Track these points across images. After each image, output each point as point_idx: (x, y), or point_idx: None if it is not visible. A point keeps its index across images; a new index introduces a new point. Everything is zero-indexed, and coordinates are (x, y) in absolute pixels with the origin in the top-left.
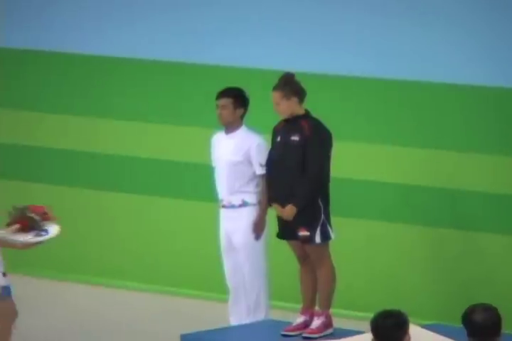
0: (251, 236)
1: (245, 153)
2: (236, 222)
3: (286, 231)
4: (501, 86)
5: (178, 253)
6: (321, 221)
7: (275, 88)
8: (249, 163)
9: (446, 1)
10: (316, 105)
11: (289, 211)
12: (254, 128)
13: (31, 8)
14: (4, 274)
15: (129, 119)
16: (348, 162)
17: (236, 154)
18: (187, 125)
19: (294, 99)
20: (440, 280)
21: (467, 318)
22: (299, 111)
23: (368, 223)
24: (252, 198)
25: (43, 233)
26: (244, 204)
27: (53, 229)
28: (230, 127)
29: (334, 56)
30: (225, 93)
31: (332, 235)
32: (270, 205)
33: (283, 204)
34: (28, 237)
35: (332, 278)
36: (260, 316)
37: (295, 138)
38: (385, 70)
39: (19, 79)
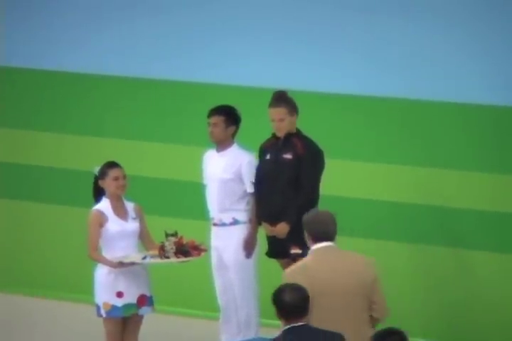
0: (242, 254)
1: (236, 170)
2: (227, 240)
3: (276, 249)
4: (491, 104)
5: (168, 272)
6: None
7: (277, 104)
8: (240, 180)
9: (436, 11)
10: (307, 123)
11: (282, 229)
12: (245, 146)
13: (26, 27)
14: None
15: (120, 138)
16: (338, 180)
17: (227, 172)
18: (178, 143)
19: (295, 116)
20: (429, 297)
21: (276, 298)
22: (293, 128)
23: (358, 241)
24: (242, 216)
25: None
26: (235, 222)
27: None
28: (221, 145)
29: (325, 74)
30: (217, 111)
31: None
32: (260, 224)
33: (274, 222)
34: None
35: None
36: (251, 334)
37: (287, 156)
38: (374, 88)
39: (12, 98)
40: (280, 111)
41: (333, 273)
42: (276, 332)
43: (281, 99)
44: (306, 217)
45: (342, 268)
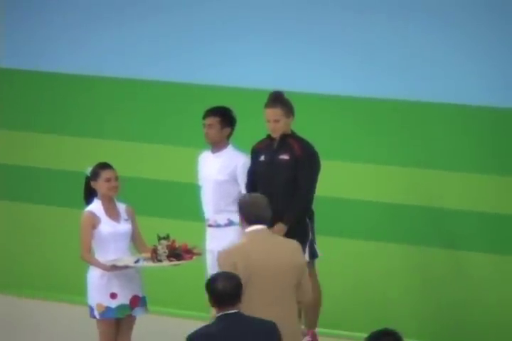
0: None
1: (231, 172)
2: (222, 241)
3: None
4: (490, 105)
5: (161, 272)
6: (310, 239)
7: (273, 105)
8: (235, 182)
9: (435, 13)
10: (306, 124)
11: (279, 229)
12: (240, 147)
13: (24, 28)
14: None
15: (119, 139)
16: (337, 181)
17: (222, 173)
18: (176, 144)
19: (291, 118)
20: (427, 299)
21: (209, 286)
22: (288, 130)
23: (354, 242)
24: (237, 217)
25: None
26: (229, 223)
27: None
28: (216, 146)
29: (323, 75)
30: (212, 112)
31: (319, 253)
32: None
33: (271, 223)
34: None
35: (318, 297)
36: None
37: (284, 157)
38: (374, 89)
39: (11, 100)
40: (276, 112)
41: (265, 255)
42: None
43: (278, 100)
44: (240, 200)
45: (274, 251)
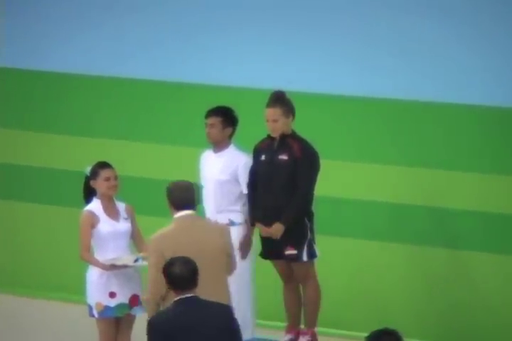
0: (237, 255)
1: (233, 172)
2: None
3: (271, 250)
4: (490, 105)
5: None
6: (308, 239)
7: (273, 105)
8: (237, 181)
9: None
10: (305, 124)
11: (277, 229)
12: (242, 147)
13: (15, 27)
14: None
15: (113, 138)
16: (337, 181)
17: (223, 173)
18: (174, 144)
19: (291, 118)
20: (429, 299)
21: (167, 271)
22: (289, 130)
23: (356, 242)
24: (238, 217)
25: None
26: (230, 223)
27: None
28: (218, 146)
29: (322, 75)
30: (214, 112)
31: (317, 253)
32: (253, 225)
33: (269, 223)
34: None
35: (318, 296)
36: (247, 335)
37: (283, 157)
38: (373, 89)
39: (2, 98)
40: (274, 112)
41: (194, 239)
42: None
43: (278, 100)
44: (167, 187)
45: (202, 234)
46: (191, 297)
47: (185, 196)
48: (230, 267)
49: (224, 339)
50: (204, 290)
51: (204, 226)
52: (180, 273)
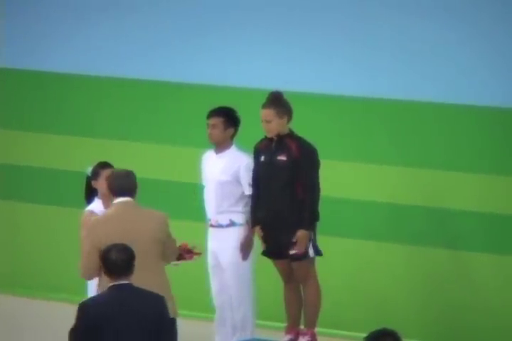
0: (238, 256)
1: (234, 172)
2: (223, 242)
3: (274, 250)
4: (488, 105)
5: None
6: (310, 239)
7: (267, 105)
8: (238, 182)
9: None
10: (304, 124)
11: (302, 236)
12: (244, 148)
13: (15, 28)
14: None
15: (113, 138)
16: (336, 181)
17: (225, 174)
18: (174, 144)
19: (285, 118)
20: (428, 299)
21: (103, 257)
22: (285, 130)
23: (355, 242)
24: (239, 218)
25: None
26: (231, 224)
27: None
28: (220, 146)
29: (322, 75)
30: (216, 112)
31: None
32: (253, 226)
33: (269, 224)
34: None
35: (318, 296)
36: (246, 335)
37: (282, 158)
38: (373, 89)
39: (1, 99)
40: (268, 113)
41: (129, 225)
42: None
43: (272, 100)
44: (108, 175)
45: (138, 221)
46: (126, 284)
47: (123, 183)
48: (166, 255)
49: (152, 327)
50: (137, 278)
51: (139, 214)
52: (115, 260)
